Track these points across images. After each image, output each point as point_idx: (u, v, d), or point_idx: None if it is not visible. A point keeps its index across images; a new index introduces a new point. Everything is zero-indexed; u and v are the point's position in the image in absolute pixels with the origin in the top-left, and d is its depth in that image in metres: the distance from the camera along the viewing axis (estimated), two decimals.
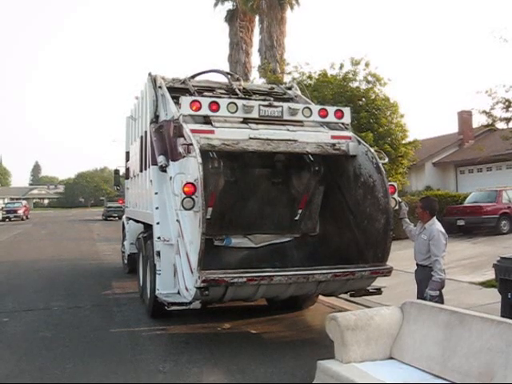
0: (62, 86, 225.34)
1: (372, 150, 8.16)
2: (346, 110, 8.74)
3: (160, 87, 9.34)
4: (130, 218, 13.41)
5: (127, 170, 13.88)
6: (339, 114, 8.59)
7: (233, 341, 7.73)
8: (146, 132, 9.90)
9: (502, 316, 6.38)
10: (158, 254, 8.10)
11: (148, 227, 10.78)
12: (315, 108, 8.53)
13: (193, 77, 10.17)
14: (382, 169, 7.88)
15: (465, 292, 10.31)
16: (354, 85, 19.38)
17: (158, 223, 8.40)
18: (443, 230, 6.73)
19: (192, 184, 6.68)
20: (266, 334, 8.19)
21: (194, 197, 6.67)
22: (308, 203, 9.19)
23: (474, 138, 33.07)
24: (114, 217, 49.37)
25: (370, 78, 19.19)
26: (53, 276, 14.28)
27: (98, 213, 57.52)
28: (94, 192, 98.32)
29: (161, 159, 8.25)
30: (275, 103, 8.34)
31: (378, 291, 8.15)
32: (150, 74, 9.64)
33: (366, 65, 19.27)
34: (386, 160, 8.31)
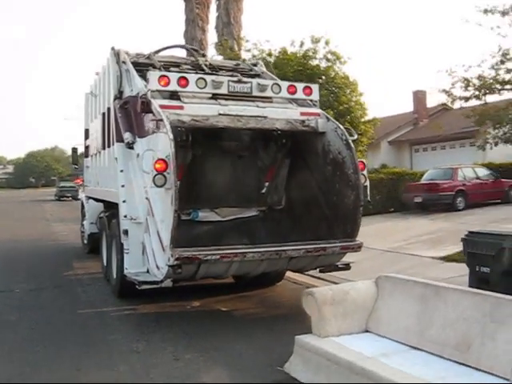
0: (7, 58, 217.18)
1: (341, 126, 8.16)
2: (315, 87, 8.72)
3: (124, 62, 9.10)
4: (90, 197, 13.12)
5: (86, 147, 13.55)
6: (308, 91, 8.56)
7: (204, 318, 7.68)
8: (108, 108, 9.65)
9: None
10: (126, 232, 7.94)
11: (109, 206, 10.61)
12: (284, 84, 8.47)
13: (157, 52, 9.94)
14: (352, 145, 7.91)
15: (428, 266, 10.51)
16: (314, 63, 19.40)
17: (124, 201, 8.22)
18: None
19: (164, 160, 6.56)
20: (237, 311, 8.17)
21: (165, 173, 6.56)
22: (274, 176, 9.24)
23: (428, 117, 33.71)
24: (68, 197, 48.52)
25: (329, 56, 19.26)
26: (10, 257, 13.92)
27: (50, 193, 56.36)
28: (44, 172, 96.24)
29: (127, 136, 8.06)
30: (244, 79, 8.26)
31: (347, 266, 8.22)
32: (113, 49, 9.36)
33: (326, 43, 19.34)
34: (356, 137, 8.36)
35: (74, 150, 16.72)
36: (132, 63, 9.04)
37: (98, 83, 11.04)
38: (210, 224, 8.98)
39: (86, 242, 14.32)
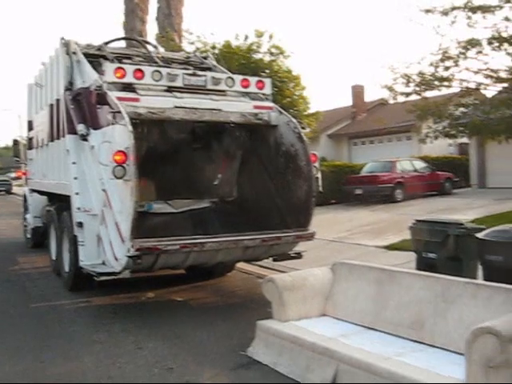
0: None
1: (294, 120, 8.40)
2: (267, 81, 8.91)
3: (74, 53, 8.99)
4: (35, 190, 12.89)
5: (30, 139, 13.26)
6: (260, 85, 8.74)
7: (161, 309, 7.77)
8: (57, 100, 9.53)
9: None
10: (80, 224, 7.91)
11: (55, 199, 10.50)
12: (238, 78, 8.62)
13: (107, 43, 9.88)
14: (304, 138, 8.16)
15: (373, 255, 10.91)
16: (258, 56, 19.61)
17: (77, 193, 8.17)
18: None
19: (123, 152, 6.59)
20: (192, 300, 8.28)
21: (125, 165, 6.60)
22: (227, 168, 9.39)
23: (366, 111, 34.54)
24: (1, 191, 47.05)
25: (273, 50, 19.50)
26: None
27: None
28: None
29: (81, 128, 8.01)
30: (199, 72, 8.35)
31: (299, 255, 8.48)
32: (62, 39, 9.24)
33: (270, 37, 19.57)
34: (308, 130, 8.60)
35: (16, 142, 16.32)
36: (83, 54, 8.97)
37: (45, 74, 10.84)
38: (164, 216, 9.05)
39: (29, 236, 14.04)
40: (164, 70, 7.94)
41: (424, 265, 7.05)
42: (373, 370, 4.45)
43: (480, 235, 6.37)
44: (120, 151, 6.60)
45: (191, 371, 5.34)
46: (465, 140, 22.50)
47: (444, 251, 6.90)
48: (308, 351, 5.11)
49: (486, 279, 6.28)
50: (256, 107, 8.52)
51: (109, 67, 7.63)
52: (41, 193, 12.13)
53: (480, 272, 6.62)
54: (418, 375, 4.19)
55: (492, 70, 14.15)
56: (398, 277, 5.64)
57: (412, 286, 5.40)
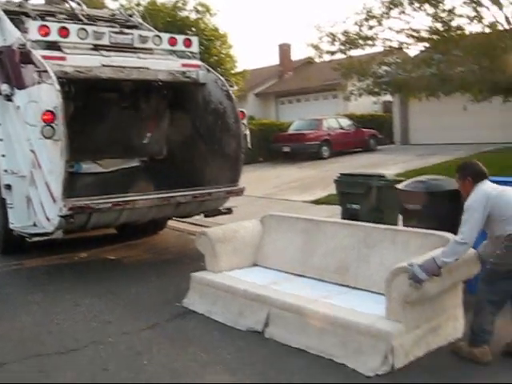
0: None
1: (222, 78, 8.52)
2: (194, 39, 8.94)
3: None
4: None
5: None
6: (188, 43, 8.77)
7: (95, 268, 7.86)
8: None
9: None
10: (8, 187, 7.82)
11: None
12: (165, 36, 8.61)
13: (27, 0, 9.57)
14: (233, 96, 8.32)
15: (301, 209, 11.28)
16: (184, 14, 19.40)
17: (3, 156, 8.05)
18: (490, 190, 4.44)
19: (51, 112, 6.55)
20: (126, 258, 8.40)
21: (53, 125, 6.57)
22: (156, 127, 9.46)
23: (293, 70, 34.82)
24: None
25: (199, 8, 19.34)
26: None
27: None
28: None
29: (5, 88, 7.84)
30: (126, 30, 8.29)
31: (229, 211, 8.70)
32: None
33: None
34: (235, 88, 8.74)
35: None
36: (2, 11, 8.68)
37: None
38: (94, 176, 9.04)
39: None
40: (90, 28, 7.84)
41: (348, 216, 7.40)
42: (302, 312, 4.78)
43: (399, 186, 6.75)
44: (48, 111, 6.55)
45: (129, 323, 5.52)
46: (388, 98, 23.17)
47: (366, 202, 7.29)
48: (240, 298, 5.39)
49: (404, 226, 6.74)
50: (184, 65, 8.57)
51: (32, 25, 7.47)
52: None
53: (400, 221, 7.04)
54: (343, 314, 4.56)
55: (414, 30, 14.58)
56: (323, 226, 6.00)
57: (336, 234, 5.77)
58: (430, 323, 4.55)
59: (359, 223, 5.93)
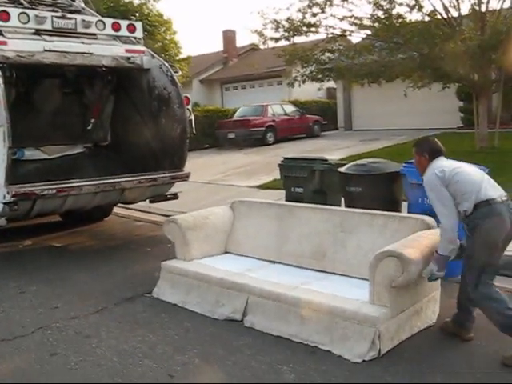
0: None
1: (166, 63, 8.53)
2: (138, 25, 8.88)
3: None
4: None
5: None
6: (131, 28, 8.70)
7: (40, 255, 7.78)
8: None
9: None
10: None
11: None
12: (108, 21, 8.52)
13: None
14: (177, 81, 8.36)
15: (247, 194, 11.39)
16: None
17: None
18: (443, 168, 4.40)
19: None
20: (72, 245, 8.36)
21: None
22: (100, 113, 9.39)
23: (237, 56, 34.84)
24: None
25: None
26: None
27: None
28: None
29: None
30: (69, 15, 8.16)
31: (175, 196, 8.73)
32: None
33: None
34: (180, 73, 8.77)
35: None
36: None
37: None
38: (37, 162, 8.93)
39: None
40: (31, 12, 7.69)
41: (292, 199, 7.60)
42: (283, 299, 4.73)
43: (341, 169, 6.97)
44: None
45: (77, 308, 5.54)
46: (332, 85, 23.54)
47: (310, 185, 7.51)
48: (216, 287, 5.28)
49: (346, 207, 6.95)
50: (128, 51, 8.51)
51: None
52: None
53: (342, 203, 7.28)
54: (326, 300, 4.53)
55: (356, 18, 14.90)
56: (296, 211, 5.95)
57: (310, 218, 5.73)
58: (414, 306, 4.59)
59: (333, 208, 6.04)
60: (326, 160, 7.66)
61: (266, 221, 6.09)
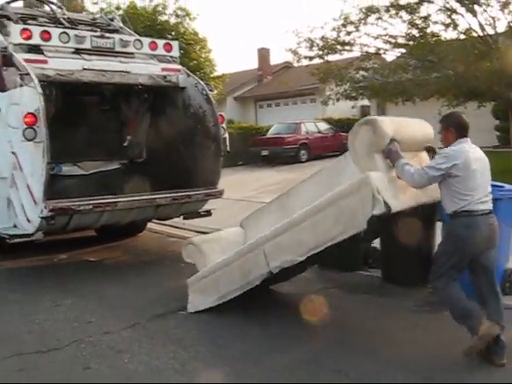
0: None
1: (202, 82, 8.67)
2: (175, 44, 9.07)
3: None
4: None
5: None
6: (168, 47, 8.89)
7: (75, 269, 7.90)
8: None
9: None
10: None
11: None
12: (146, 41, 8.73)
13: (8, 3, 9.62)
14: (212, 99, 8.48)
15: None
16: (164, 18, 19.50)
17: None
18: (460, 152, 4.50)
19: (33, 114, 6.64)
20: (106, 260, 8.47)
21: (35, 127, 6.66)
22: (136, 130, 9.55)
23: (272, 74, 35.07)
24: None
25: (179, 12, 19.45)
26: None
27: None
28: None
29: None
30: (107, 34, 8.39)
31: (208, 213, 8.83)
32: None
33: None
34: (215, 92, 8.89)
35: None
36: None
37: None
38: (74, 178, 9.11)
39: None
40: (71, 32, 7.93)
41: None
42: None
43: None
44: (30, 113, 6.63)
45: (110, 323, 5.60)
46: (366, 102, 23.50)
47: None
48: (236, 262, 5.54)
49: None
50: (164, 69, 8.69)
51: (14, 28, 7.53)
52: None
53: None
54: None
55: (391, 36, 14.91)
56: (292, 191, 6.42)
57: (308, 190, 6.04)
58: None
59: (322, 171, 6.31)
60: None
61: (270, 217, 6.25)
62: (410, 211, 4.86)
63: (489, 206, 4.49)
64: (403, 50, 15.55)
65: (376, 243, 7.25)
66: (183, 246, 6.42)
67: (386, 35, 15.00)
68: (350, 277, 7.09)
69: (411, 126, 5.44)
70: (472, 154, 4.53)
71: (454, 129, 4.60)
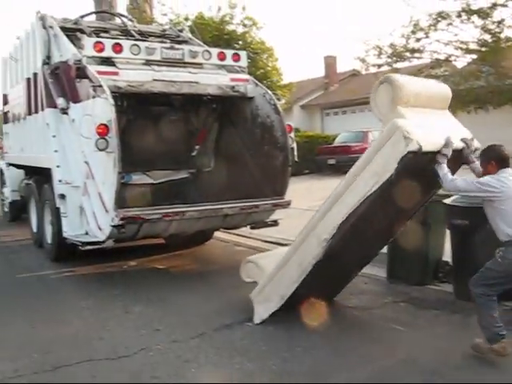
0: None
1: (269, 92, 8.68)
2: (243, 54, 9.12)
3: (51, 27, 9.05)
4: (12, 164, 12.95)
5: (6, 113, 13.26)
6: (236, 58, 8.95)
7: (144, 276, 8.04)
8: (35, 74, 9.59)
9: None
10: (63, 196, 8.10)
11: (32, 172, 10.65)
12: (214, 51, 8.82)
13: (83, 17, 9.94)
14: (280, 109, 8.47)
15: None
16: (231, 28, 19.70)
17: (58, 166, 8.34)
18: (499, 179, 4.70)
19: (105, 125, 6.81)
20: (173, 268, 8.57)
21: (107, 138, 6.83)
22: (204, 139, 9.64)
23: (338, 82, 34.82)
24: None
25: (246, 22, 19.60)
26: None
27: None
28: None
29: (61, 101, 8.15)
30: (177, 46, 8.54)
31: (275, 223, 8.81)
32: (38, 13, 9.29)
33: (243, 8, 19.66)
34: (283, 101, 8.89)
35: None
36: (60, 28, 9.04)
37: (20, 48, 10.83)
38: (143, 186, 9.30)
39: (7, 210, 14.11)
40: (142, 44, 8.10)
41: None
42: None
43: (447, 200, 6.72)
44: (102, 124, 6.80)
45: (177, 332, 5.65)
46: None
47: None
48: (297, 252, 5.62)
49: (452, 243, 6.71)
50: (232, 80, 8.75)
51: (88, 41, 7.76)
52: (18, 166, 12.22)
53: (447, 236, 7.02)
54: None
55: (462, 42, 14.53)
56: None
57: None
58: None
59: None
60: None
61: None
62: None
63: None
64: (475, 56, 15.09)
65: (447, 256, 7.04)
66: (241, 267, 6.37)
67: (456, 41, 14.62)
68: (420, 291, 6.88)
69: (427, 84, 5.98)
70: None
71: (494, 162, 4.80)
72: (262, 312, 5.85)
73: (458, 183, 4.82)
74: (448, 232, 6.96)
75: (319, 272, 5.41)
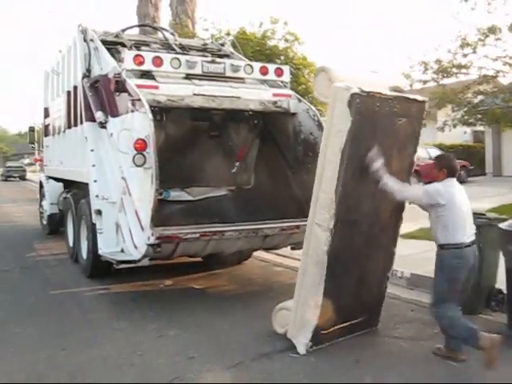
0: None
1: (313, 108, 8.35)
2: (286, 69, 8.85)
3: (92, 40, 8.95)
4: (51, 177, 12.94)
5: (46, 126, 13.30)
6: (279, 72, 8.68)
7: (179, 296, 7.76)
8: (75, 87, 9.53)
9: None
10: (99, 212, 7.92)
11: (70, 186, 10.56)
12: (256, 65, 8.57)
13: (124, 30, 9.84)
14: (324, 126, 8.10)
15: None
16: (273, 43, 19.52)
17: (95, 181, 8.18)
18: (449, 191, 5.15)
19: (143, 140, 6.61)
20: (210, 288, 8.28)
21: (145, 153, 6.63)
22: (245, 156, 9.34)
23: None
24: (15, 177, 47.54)
25: (288, 37, 19.38)
26: None
27: None
28: None
29: (99, 115, 8.01)
30: (218, 60, 8.31)
31: None
32: (80, 26, 9.20)
33: (285, 23, 19.44)
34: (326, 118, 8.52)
35: (31, 129, 16.46)
36: (100, 41, 8.94)
37: (62, 61, 10.83)
38: (181, 203, 9.03)
39: (45, 222, 14.08)
40: (183, 58, 7.90)
41: None
42: None
43: (502, 225, 6.30)
44: (140, 139, 6.60)
45: (212, 360, 5.34)
46: (479, 127, 22.35)
47: None
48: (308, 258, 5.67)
49: (507, 268, 6.26)
50: (275, 95, 8.46)
51: (128, 54, 7.59)
52: (57, 180, 12.19)
53: (501, 262, 6.58)
54: None
55: (511, 58, 14.01)
56: None
57: None
58: None
59: None
60: (484, 214, 7.04)
61: None
62: None
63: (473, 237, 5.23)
64: None
65: (500, 283, 6.59)
66: (273, 316, 6.05)
67: (505, 56, 14.09)
68: (472, 320, 6.42)
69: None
70: (457, 189, 5.24)
71: (446, 170, 5.22)
72: (302, 339, 5.51)
73: (405, 194, 5.37)
74: (502, 258, 6.52)
75: (338, 265, 5.48)
